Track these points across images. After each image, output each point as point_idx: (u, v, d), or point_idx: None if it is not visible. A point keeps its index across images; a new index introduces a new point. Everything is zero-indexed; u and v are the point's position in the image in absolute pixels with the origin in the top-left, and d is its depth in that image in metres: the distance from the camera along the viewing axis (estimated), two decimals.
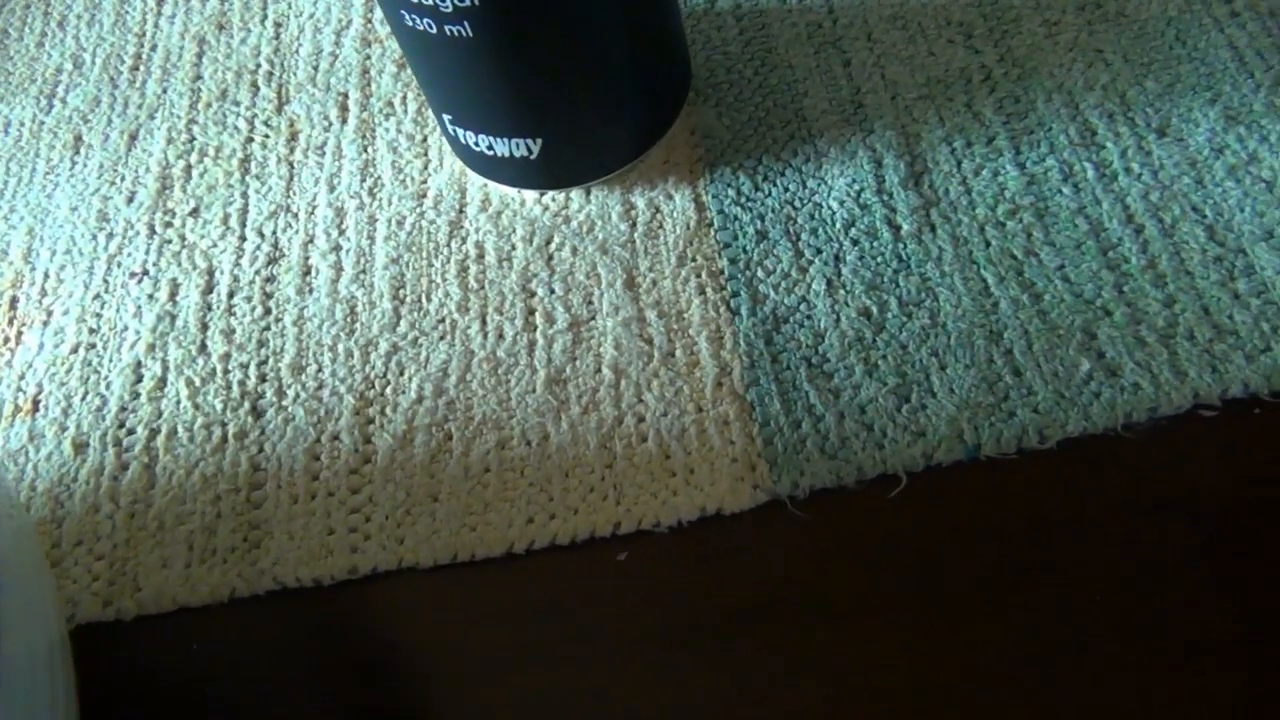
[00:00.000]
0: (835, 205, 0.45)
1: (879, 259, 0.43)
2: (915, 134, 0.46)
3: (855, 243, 0.44)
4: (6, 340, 0.50)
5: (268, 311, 0.48)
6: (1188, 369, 0.39)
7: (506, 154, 0.45)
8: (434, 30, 0.40)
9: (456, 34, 0.40)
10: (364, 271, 0.48)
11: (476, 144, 0.46)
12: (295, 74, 0.56)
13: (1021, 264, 0.42)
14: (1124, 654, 0.35)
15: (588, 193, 0.48)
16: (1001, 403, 0.39)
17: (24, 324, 0.50)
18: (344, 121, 0.54)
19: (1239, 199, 0.42)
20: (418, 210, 0.49)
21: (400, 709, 0.38)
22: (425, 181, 0.50)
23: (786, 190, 0.46)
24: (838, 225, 0.44)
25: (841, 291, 0.43)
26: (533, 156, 0.45)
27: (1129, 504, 0.37)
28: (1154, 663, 0.34)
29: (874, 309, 0.42)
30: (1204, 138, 0.44)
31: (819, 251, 0.44)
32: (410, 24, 0.41)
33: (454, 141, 0.47)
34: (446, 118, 0.45)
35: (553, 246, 0.47)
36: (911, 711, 0.35)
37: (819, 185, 0.46)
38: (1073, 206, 0.43)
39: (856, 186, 0.45)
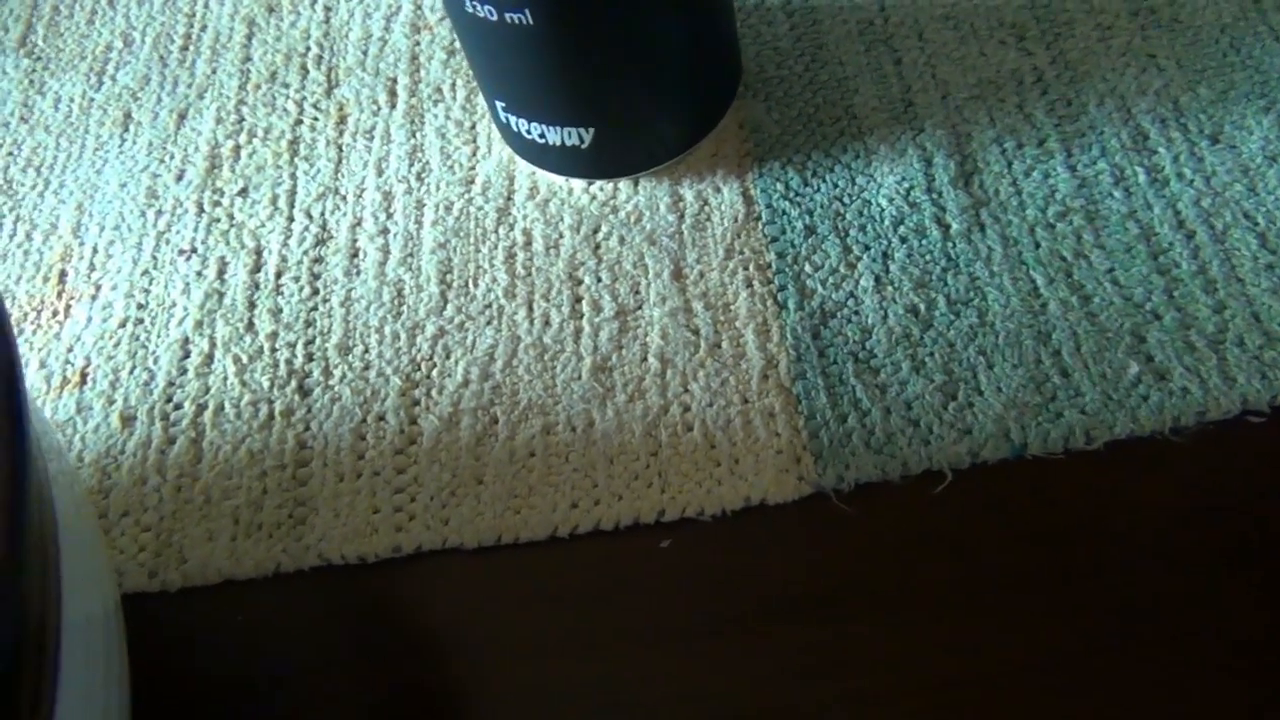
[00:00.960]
0: (884, 202, 0.45)
1: (928, 257, 0.43)
2: (966, 134, 0.46)
3: (904, 240, 0.44)
4: (55, 313, 0.50)
5: (315, 292, 0.48)
6: (1237, 375, 0.39)
7: (558, 142, 0.46)
8: (494, 17, 0.40)
9: (517, 21, 0.40)
10: (411, 255, 0.48)
11: (529, 131, 0.46)
12: (344, 58, 0.57)
13: (1071, 266, 0.42)
14: (1166, 657, 0.35)
15: (636, 183, 0.48)
16: (1049, 403, 0.39)
17: (73, 297, 0.50)
18: (393, 106, 0.54)
19: None
20: (465, 196, 0.50)
21: (440, 686, 0.38)
22: (473, 168, 0.51)
23: (835, 186, 0.46)
24: (886, 222, 0.45)
25: (889, 288, 0.43)
26: (584, 146, 0.46)
27: (1175, 507, 0.37)
28: (1197, 666, 0.35)
29: (922, 306, 0.42)
30: (1257, 145, 0.44)
31: (867, 248, 0.44)
32: (470, 10, 0.41)
33: (505, 129, 0.48)
34: (499, 104, 0.46)
35: (600, 235, 0.47)
36: (947, 705, 0.35)
37: (868, 182, 0.46)
38: (1124, 210, 0.43)
39: (906, 184, 0.45)
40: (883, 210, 0.45)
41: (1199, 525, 0.37)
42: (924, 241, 0.44)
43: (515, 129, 0.47)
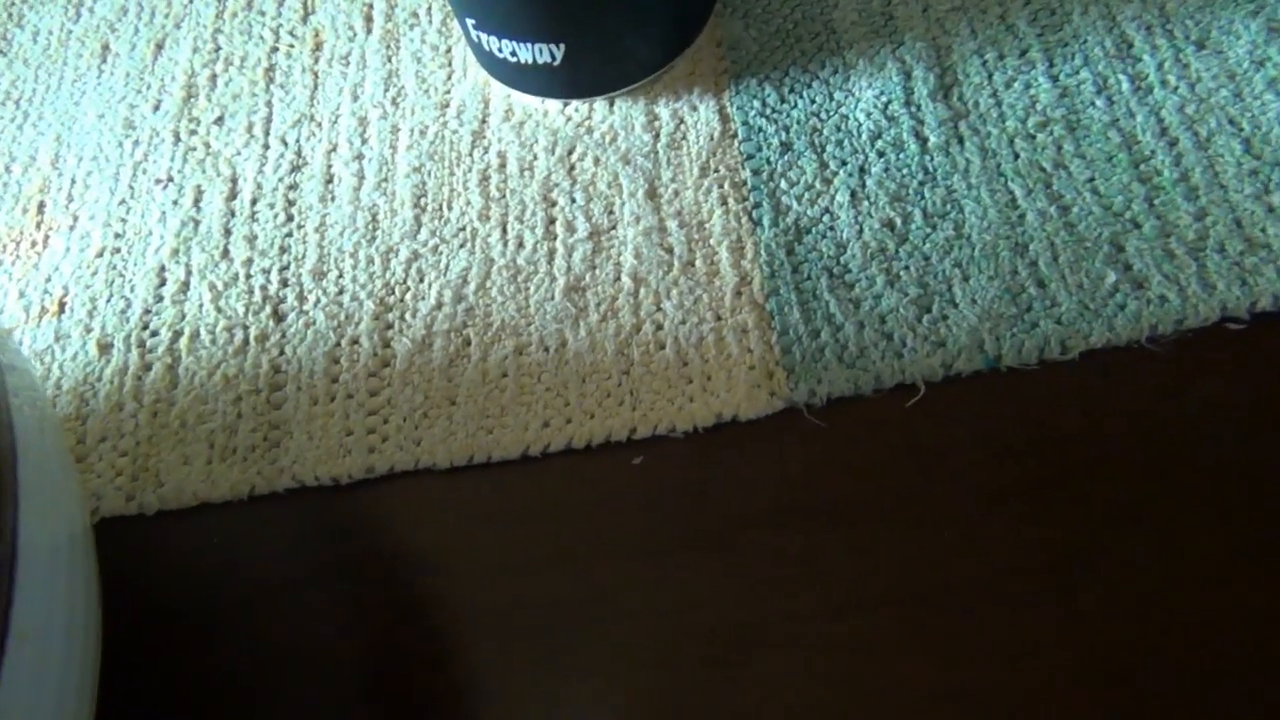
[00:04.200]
0: (862, 117, 0.44)
1: (905, 171, 0.43)
2: (946, 46, 0.45)
3: (881, 154, 0.43)
4: (34, 244, 0.50)
5: (290, 218, 0.48)
6: (1216, 282, 0.38)
7: (530, 60, 0.45)
8: None
9: None
10: (386, 180, 0.48)
11: (500, 50, 0.45)
12: None
13: (1050, 176, 0.41)
14: (1143, 564, 0.34)
15: (611, 103, 0.47)
16: (1024, 314, 0.39)
17: (51, 228, 0.50)
18: (369, 32, 0.53)
19: (1278, 112, 0.41)
20: (440, 120, 0.49)
21: (413, 605, 0.38)
22: (449, 92, 0.50)
23: (813, 102, 0.45)
24: (864, 137, 0.44)
25: (866, 203, 0.42)
26: (556, 63, 0.45)
27: (1151, 416, 0.37)
28: (1174, 574, 0.34)
29: (898, 220, 0.41)
30: (1244, 50, 0.42)
31: (844, 163, 0.43)
32: None
33: (478, 49, 0.47)
34: (470, 22, 0.45)
35: (575, 156, 0.46)
36: (922, 616, 0.35)
37: (846, 97, 0.45)
38: (1105, 119, 0.42)
39: (884, 98, 0.44)
40: (860, 125, 0.44)
41: (1175, 433, 0.36)
42: (901, 155, 0.43)
43: (487, 48, 0.46)
